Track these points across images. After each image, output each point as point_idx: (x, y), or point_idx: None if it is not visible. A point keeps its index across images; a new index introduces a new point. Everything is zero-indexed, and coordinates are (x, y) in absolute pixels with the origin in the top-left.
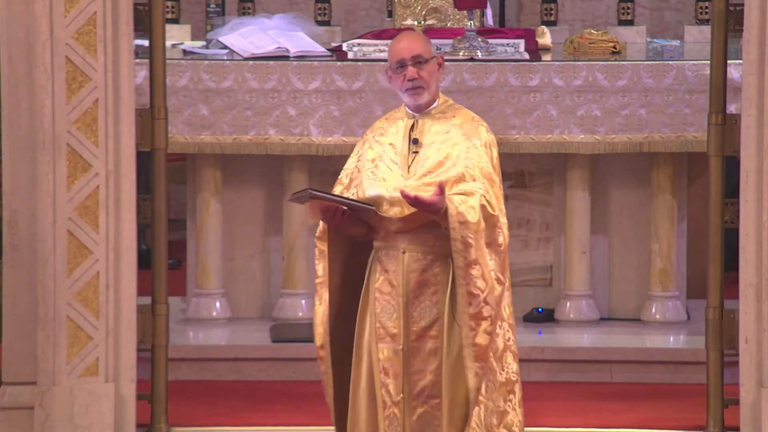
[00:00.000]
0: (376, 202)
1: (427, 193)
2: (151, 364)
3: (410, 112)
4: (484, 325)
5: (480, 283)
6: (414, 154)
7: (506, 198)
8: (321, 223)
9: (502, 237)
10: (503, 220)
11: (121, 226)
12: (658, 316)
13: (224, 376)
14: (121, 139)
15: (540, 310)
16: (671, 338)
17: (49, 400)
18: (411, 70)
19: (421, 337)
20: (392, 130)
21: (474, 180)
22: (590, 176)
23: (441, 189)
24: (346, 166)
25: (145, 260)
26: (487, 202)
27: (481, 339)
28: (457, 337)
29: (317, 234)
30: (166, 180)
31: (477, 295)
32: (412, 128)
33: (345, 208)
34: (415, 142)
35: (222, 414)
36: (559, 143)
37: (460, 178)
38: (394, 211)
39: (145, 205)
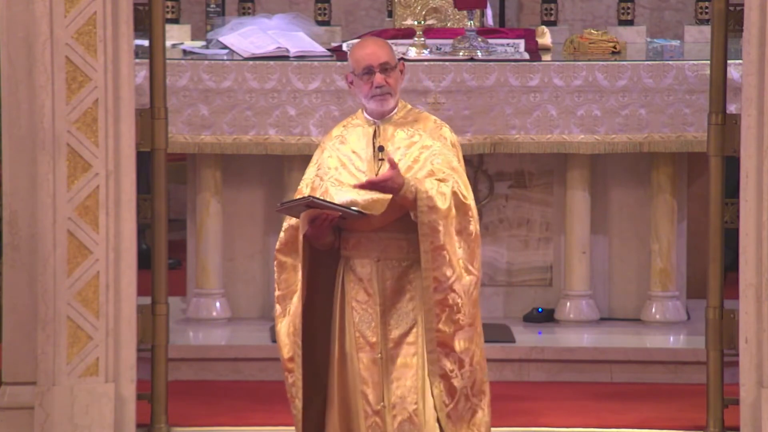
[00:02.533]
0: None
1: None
2: (151, 364)
3: (370, 119)
4: (449, 312)
5: (447, 269)
6: (380, 161)
7: (506, 198)
8: (282, 234)
9: (473, 226)
10: (474, 212)
11: (121, 226)
12: (658, 316)
13: (224, 376)
14: (121, 139)
15: (540, 310)
16: (671, 338)
17: (49, 400)
18: (379, 77)
19: (399, 344)
20: (353, 138)
21: (443, 173)
22: (590, 176)
23: (392, 163)
24: (305, 177)
25: (145, 260)
26: (459, 190)
27: (445, 326)
28: None
29: (278, 246)
30: (166, 180)
31: (443, 281)
32: (374, 135)
33: (335, 215)
34: (381, 149)
35: (222, 414)
36: (559, 143)
37: (430, 175)
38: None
39: (145, 205)
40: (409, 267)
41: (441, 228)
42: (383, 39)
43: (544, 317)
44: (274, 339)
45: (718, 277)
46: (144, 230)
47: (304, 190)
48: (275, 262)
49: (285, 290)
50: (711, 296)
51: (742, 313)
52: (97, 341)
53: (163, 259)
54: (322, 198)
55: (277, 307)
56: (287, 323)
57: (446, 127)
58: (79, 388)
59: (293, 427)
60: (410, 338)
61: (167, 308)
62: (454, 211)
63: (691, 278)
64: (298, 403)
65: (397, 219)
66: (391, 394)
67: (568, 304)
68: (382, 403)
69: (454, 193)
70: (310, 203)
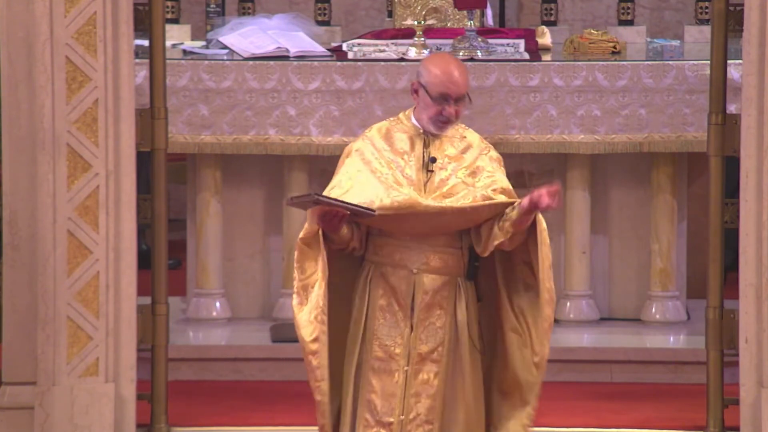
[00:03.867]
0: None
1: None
2: (151, 364)
3: (419, 126)
4: (549, 328)
5: (551, 283)
6: (430, 173)
7: None
8: (307, 225)
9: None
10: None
11: (121, 226)
12: (658, 316)
13: (224, 376)
14: (121, 139)
15: None
16: (671, 338)
17: (49, 400)
18: (450, 110)
19: (423, 359)
20: (400, 143)
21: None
22: (590, 176)
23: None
24: (345, 170)
25: (145, 260)
26: None
27: (545, 346)
28: (458, 362)
29: (301, 235)
30: (166, 180)
31: (552, 294)
32: (424, 145)
33: (343, 212)
34: (433, 160)
35: (222, 414)
36: (559, 143)
37: (488, 198)
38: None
39: (145, 205)
40: (445, 282)
41: (548, 242)
42: (463, 64)
43: None
44: (274, 339)
45: (718, 277)
46: (144, 230)
47: (344, 183)
48: (297, 250)
49: (305, 280)
50: (711, 296)
51: (742, 313)
52: (97, 341)
53: (163, 259)
54: (325, 195)
55: (295, 298)
56: (308, 310)
57: (491, 147)
58: (79, 388)
59: (294, 427)
60: (435, 356)
61: (167, 308)
62: None
63: (691, 278)
64: (324, 386)
65: (445, 232)
66: (409, 409)
67: (568, 304)
68: (401, 417)
69: None
70: (317, 200)
